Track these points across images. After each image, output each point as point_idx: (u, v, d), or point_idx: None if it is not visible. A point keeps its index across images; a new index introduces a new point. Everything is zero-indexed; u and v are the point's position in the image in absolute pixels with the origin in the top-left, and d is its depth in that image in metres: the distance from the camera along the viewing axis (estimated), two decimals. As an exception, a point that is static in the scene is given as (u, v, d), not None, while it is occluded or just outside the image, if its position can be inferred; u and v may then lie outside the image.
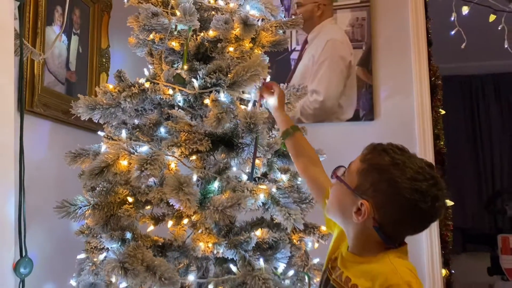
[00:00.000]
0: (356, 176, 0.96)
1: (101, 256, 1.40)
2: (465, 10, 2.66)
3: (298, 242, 1.56)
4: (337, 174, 1.03)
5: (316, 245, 1.59)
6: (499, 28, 2.66)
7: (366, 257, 0.96)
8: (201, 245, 1.33)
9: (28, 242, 1.63)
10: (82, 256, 1.47)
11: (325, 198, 1.21)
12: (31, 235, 1.70)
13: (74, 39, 2.22)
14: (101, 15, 2.43)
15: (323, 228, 1.56)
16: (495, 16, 2.64)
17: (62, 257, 1.89)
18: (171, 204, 1.29)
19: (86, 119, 1.48)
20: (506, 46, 2.72)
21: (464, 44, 2.76)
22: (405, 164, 0.90)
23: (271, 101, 1.44)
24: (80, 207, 1.37)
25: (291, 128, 1.38)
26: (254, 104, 1.49)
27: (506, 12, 2.61)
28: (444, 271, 2.31)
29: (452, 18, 2.70)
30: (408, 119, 2.36)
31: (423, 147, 2.32)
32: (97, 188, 1.41)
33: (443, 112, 2.46)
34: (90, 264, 1.43)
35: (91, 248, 1.40)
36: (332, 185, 1.24)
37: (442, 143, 2.47)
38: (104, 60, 2.43)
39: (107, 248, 1.38)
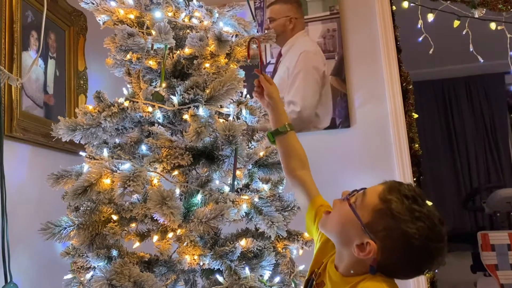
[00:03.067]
0: (370, 213, 0.92)
1: (88, 275, 1.40)
2: (430, 17, 2.77)
3: (283, 250, 1.59)
4: (350, 202, 0.96)
5: (301, 251, 1.62)
6: (464, 33, 2.78)
7: (356, 277, 0.95)
8: (187, 257, 1.35)
9: (12, 267, 1.62)
10: (68, 276, 1.47)
11: (310, 205, 1.21)
12: (16, 260, 1.69)
13: (51, 62, 2.23)
14: (77, 38, 2.45)
15: (306, 234, 1.59)
16: (459, 22, 2.76)
17: (48, 280, 1.88)
18: (155, 219, 1.31)
19: (67, 141, 1.49)
20: (471, 49, 2.84)
21: (432, 50, 2.87)
22: (421, 219, 0.88)
23: (271, 90, 1.34)
24: (65, 228, 1.38)
25: (288, 126, 1.30)
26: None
27: (469, 18, 2.72)
28: (427, 271, 2.36)
29: (419, 25, 2.81)
30: (383, 124, 2.44)
31: (399, 151, 2.39)
32: (81, 208, 1.42)
33: (416, 116, 2.54)
34: (77, 284, 1.43)
35: (78, 268, 1.40)
36: (318, 194, 1.23)
37: (417, 145, 2.55)
38: (81, 82, 2.45)
39: (94, 267, 1.39)
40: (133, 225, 1.48)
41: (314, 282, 1.07)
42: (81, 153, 1.55)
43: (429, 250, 0.88)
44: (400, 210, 0.89)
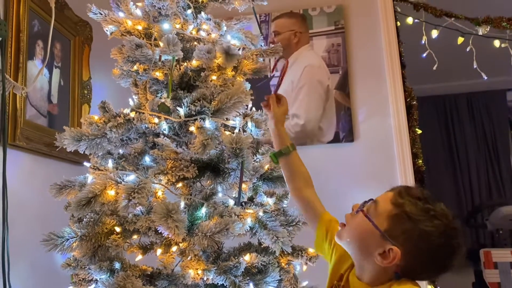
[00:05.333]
0: (386, 219, 0.93)
1: (90, 288, 1.38)
2: (434, 33, 2.78)
3: (287, 265, 1.57)
4: (365, 212, 0.97)
5: (305, 267, 1.60)
6: (467, 50, 2.79)
7: (382, 286, 0.95)
8: (191, 272, 1.32)
9: (12, 277, 1.60)
10: (69, 289, 1.45)
11: (319, 222, 1.22)
12: (16, 270, 1.66)
13: (56, 72, 2.23)
14: (82, 48, 2.46)
15: (311, 250, 1.57)
16: (463, 38, 2.77)
17: (47, 292, 1.85)
18: (159, 232, 1.29)
19: (70, 151, 1.48)
20: (475, 66, 2.85)
21: (435, 66, 2.88)
22: (437, 217, 0.90)
23: (275, 111, 1.36)
24: (68, 239, 1.36)
25: (290, 146, 1.33)
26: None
27: (473, 35, 2.74)
28: (430, 287, 2.34)
29: (423, 41, 2.82)
30: (387, 140, 2.43)
31: (402, 166, 2.38)
32: (84, 219, 1.40)
33: (419, 131, 2.53)
34: (78, 297, 1.41)
35: (79, 280, 1.38)
36: (325, 210, 1.24)
37: (420, 161, 2.54)
38: (86, 91, 2.45)
39: (96, 280, 1.37)
40: (135, 236, 1.46)
41: None
42: (85, 163, 1.54)
43: (450, 245, 0.90)
44: (415, 211, 0.90)
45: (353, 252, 1.02)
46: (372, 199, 1.00)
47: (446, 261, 0.92)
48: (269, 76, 2.59)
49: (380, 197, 0.98)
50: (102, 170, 1.44)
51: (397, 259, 0.90)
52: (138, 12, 1.55)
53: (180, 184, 1.49)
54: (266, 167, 1.58)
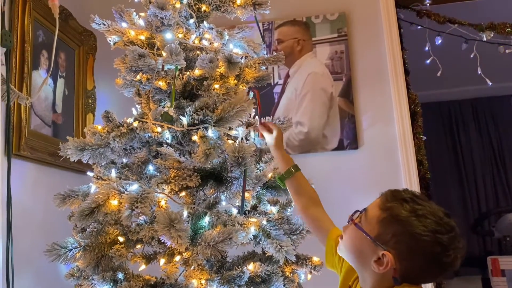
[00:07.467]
0: (376, 225, 0.94)
1: (93, 299, 1.38)
2: (438, 40, 2.78)
3: (291, 274, 1.56)
4: (355, 221, 0.99)
5: (309, 276, 1.59)
6: (472, 56, 2.78)
7: None
8: (194, 282, 1.32)
9: (16, 288, 1.60)
10: (72, 300, 1.44)
11: (328, 239, 1.24)
12: (20, 280, 1.66)
13: (60, 81, 2.24)
14: (86, 58, 2.47)
15: (315, 259, 1.56)
16: (467, 45, 2.76)
17: (51, 302, 1.85)
18: (162, 241, 1.29)
19: (75, 160, 1.48)
20: (479, 72, 2.84)
21: (439, 72, 2.87)
22: (425, 216, 0.89)
23: (269, 139, 1.47)
24: (71, 250, 1.36)
25: (292, 168, 1.40)
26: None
27: (477, 41, 2.73)
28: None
29: (427, 48, 2.82)
30: (391, 147, 2.42)
31: (407, 174, 2.37)
32: (88, 229, 1.40)
33: (424, 138, 2.52)
34: (82, 307, 1.40)
35: (83, 291, 1.38)
36: (334, 226, 1.26)
37: (426, 168, 2.52)
38: (90, 101, 2.46)
39: (99, 290, 1.36)
40: (139, 246, 1.46)
41: None
42: (88, 173, 1.54)
43: (442, 242, 0.88)
44: (403, 213, 0.91)
45: (353, 263, 1.03)
46: (365, 209, 1.00)
47: (442, 259, 0.90)
48: (272, 84, 2.60)
49: (370, 205, 0.99)
50: (105, 180, 1.44)
51: (391, 263, 0.90)
52: (141, 22, 1.56)
53: (183, 193, 1.49)
54: (269, 175, 1.57)
